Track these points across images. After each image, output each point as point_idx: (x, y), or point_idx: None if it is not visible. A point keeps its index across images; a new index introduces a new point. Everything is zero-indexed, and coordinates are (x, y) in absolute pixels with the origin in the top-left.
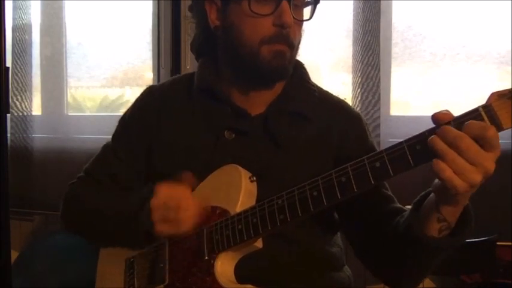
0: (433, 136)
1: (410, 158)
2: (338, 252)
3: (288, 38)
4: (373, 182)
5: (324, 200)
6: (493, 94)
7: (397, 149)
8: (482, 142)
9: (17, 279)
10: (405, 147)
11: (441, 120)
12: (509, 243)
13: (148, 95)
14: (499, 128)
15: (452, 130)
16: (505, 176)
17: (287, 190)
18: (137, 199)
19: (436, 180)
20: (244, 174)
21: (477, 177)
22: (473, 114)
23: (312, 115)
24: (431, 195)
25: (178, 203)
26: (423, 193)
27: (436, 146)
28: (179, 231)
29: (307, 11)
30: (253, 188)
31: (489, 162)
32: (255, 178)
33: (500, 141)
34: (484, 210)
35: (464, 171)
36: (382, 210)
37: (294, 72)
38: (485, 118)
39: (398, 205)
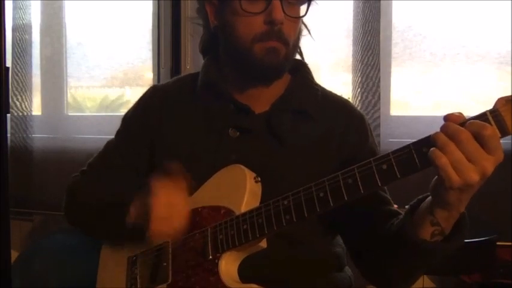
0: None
1: (417, 160)
2: (340, 252)
3: (280, 34)
4: (380, 184)
5: (331, 201)
6: (500, 99)
7: (404, 152)
8: (481, 141)
9: (17, 279)
10: (412, 150)
11: (452, 121)
12: (509, 243)
13: (152, 94)
14: (506, 133)
15: (453, 124)
16: (505, 176)
17: (292, 190)
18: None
19: (434, 179)
20: (249, 175)
21: (474, 176)
22: (480, 119)
23: (315, 113)
24: (428, 199)
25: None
26: (420, 196)
27: (437, 138)
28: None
29: (304, 8)
30: (257, 188)
31: (488, 162)
32: (259, 178)
33: (500, 141)
34: (484, 210)
35: (460, 164)
36: (377, 212)
37: (297, 71)
38: (493, 123)
39: (394, 208)
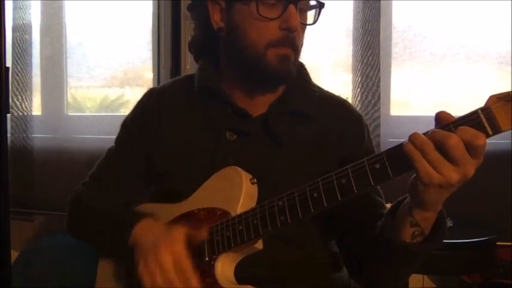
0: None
1: None
2: (338, 252)
3: (293, 41)
4: (373, 184)
5: (324, 202)
6: (492, 97)
7: (397, 151)
8: (470, 148)
9: (17, 279)
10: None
11: (442, 120)
12: (509, 243)
13: (149, 97)
14: (498, 130)
15: (440, 131)
16: (505, 176)
17: (288, 191)
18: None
19: (411, 178)
20: (245, 176)
21: (454, 175)
22: (472, 117)
23: (312, 115)
24: (406, 200)
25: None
26: (400, 198)
27: (415, 138)
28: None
29: (310, 14)
30: (253, 190)
31: (472, 167)
32: (255, 180)
33: (500, 141)
34: (484, 210)
35: (440, 163)
36: (370, 216)
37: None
38: (484, 121)
39: (385, 211)
